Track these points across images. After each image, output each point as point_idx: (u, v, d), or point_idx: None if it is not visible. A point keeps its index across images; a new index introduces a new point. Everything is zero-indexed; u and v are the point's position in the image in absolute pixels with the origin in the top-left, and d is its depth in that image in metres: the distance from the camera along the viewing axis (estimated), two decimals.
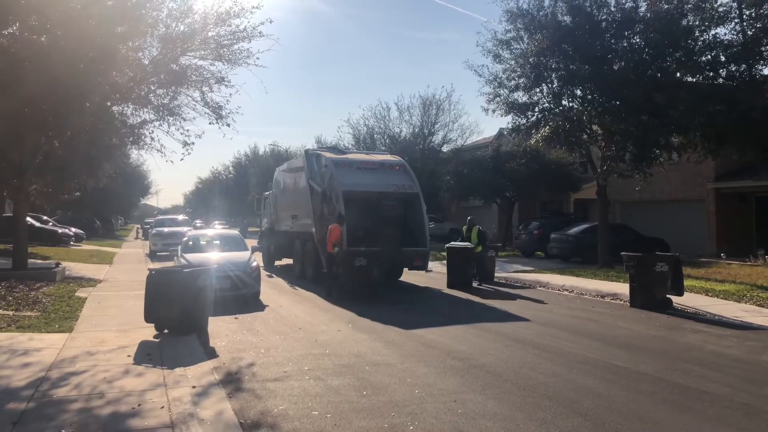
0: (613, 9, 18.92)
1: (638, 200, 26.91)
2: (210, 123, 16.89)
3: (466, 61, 25.79)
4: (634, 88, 17.41)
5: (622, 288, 14.22)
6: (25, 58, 13.09)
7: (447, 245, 17.06)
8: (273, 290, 15.43)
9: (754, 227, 24.55)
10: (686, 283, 13.40)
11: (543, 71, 19.59)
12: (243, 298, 13.21)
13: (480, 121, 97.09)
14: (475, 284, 16.31)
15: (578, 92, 19.91)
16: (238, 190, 68.39)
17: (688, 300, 12.72)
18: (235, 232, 20.59)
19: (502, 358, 8.07)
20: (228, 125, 16.86)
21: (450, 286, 15.47)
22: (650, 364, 7.75)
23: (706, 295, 13.82)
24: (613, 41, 18.70)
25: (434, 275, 18.57)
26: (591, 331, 10.14)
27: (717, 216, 24.50)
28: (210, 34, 16.15)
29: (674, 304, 12.37)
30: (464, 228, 17.82)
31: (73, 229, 34.23)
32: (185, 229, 28.08)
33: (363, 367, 7.58)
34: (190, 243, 15.73)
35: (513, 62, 20.32)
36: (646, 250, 14.45)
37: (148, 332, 9.26)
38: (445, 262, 17.51)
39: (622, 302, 13.37)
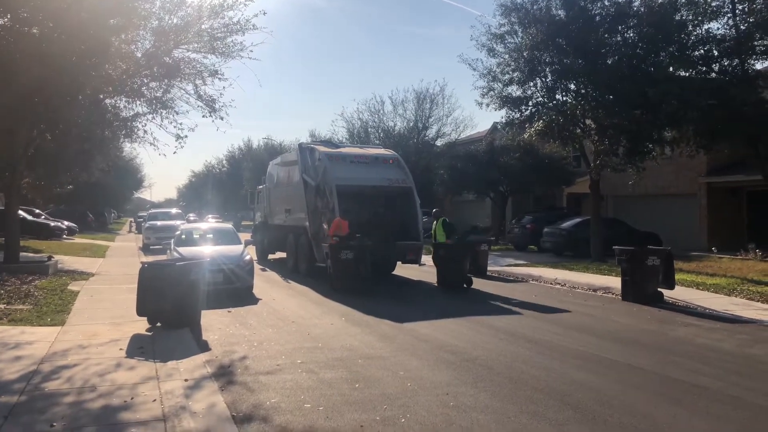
0: (607, 3, 18.96)
1: (631, 194, 27.01)
2: (203, 116, 16.89)
3: (461, 54, 26.01)
4: (628, 83, 17.45)
5: (614, 282, 14.29)
6: (17, 51, 13.00)
7: (433, 242, 16.00)
8: (266, 284, 15.41)
9: (745, 221, 24.70)
10: (678, 276, 13.47)
11: (537, 65, 19.61)
12: (236, 291, 13.17)
13: (474, 116, 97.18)
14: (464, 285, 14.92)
15: (572, 86, 19.95)
16: (232, 184, 68.33)
17: (679, 293, 12.78)
18: (228, 225, 20.53)
19: (494, 351, 8.09)
20: (221, 118, 16.85)
21: (440, 284, 15.14)
22: (641, 358, 7.79)
23: (697, 288, 13.89)
24: (606, 35, 18.75)
25: (427, 269, 18.57)
26: (583, 324, 10.18)
27: (709, 210, 24.63)
28: (203, 26, 16.12)
29: (665, 297, 12.42)
30: (433, 222, 16.48)
31: (66, 223, 34.06)
32: (178, 222, 27.97)
33: (356, 360, 7.59)
34: (183, 236, 15.66)
35: (507, 56, 20.34)
36: (638, 244, 14.49)
37: (141, 326, 9.23)
38: None
39: (614, 296, 13.42)
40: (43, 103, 14.39)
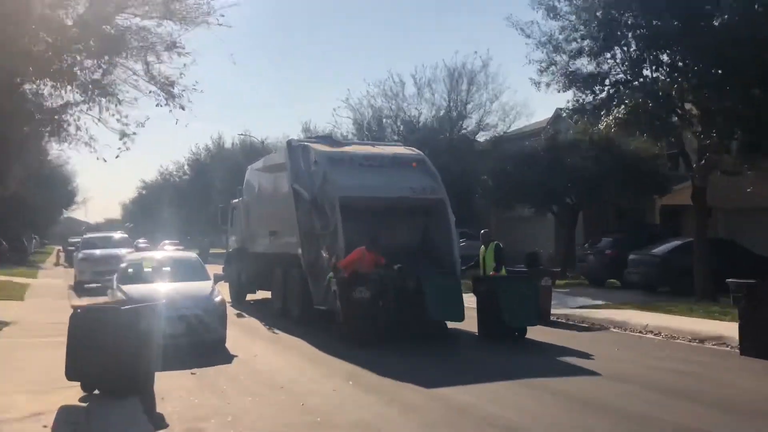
0: None
1: (750, 207, 26.71)
2: (157, 105, 17.10)
3: (509, 16, 25.66)
4: (744, 51, 17.31)
5: (730, 329, 14.11)
6: None
7: (481, 275, 16.23)
8: (244, 335, 15.46)
9: None
10: None
11: (616, 29, 19.56)
12: (203, 345, 13.21)
13: (529, 100, 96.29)
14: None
15: (665, 58, 19.87)
16: (197, 198, 68.71)
17: None
18: (191, 254, 20.66)
19: (561, 427, 8.03)
20: (182, 107, 17.07)
21: (481, 332, 15.23)
22: None
23: None
24: None
25: (465, 310, 18.52)
26: (687, 389, 10.07)
27: None
28: None
29: None
30: (481, 247, 16.78)
31: None
32: (124, 251, 28.18)
33: None
34: (131, 270, 15.79)
35: (574, 17, 20.31)
36: (761, 275, 14.33)
37: (72, 393, 9.25)
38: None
39: (729, 348, 13.29)
40: None
